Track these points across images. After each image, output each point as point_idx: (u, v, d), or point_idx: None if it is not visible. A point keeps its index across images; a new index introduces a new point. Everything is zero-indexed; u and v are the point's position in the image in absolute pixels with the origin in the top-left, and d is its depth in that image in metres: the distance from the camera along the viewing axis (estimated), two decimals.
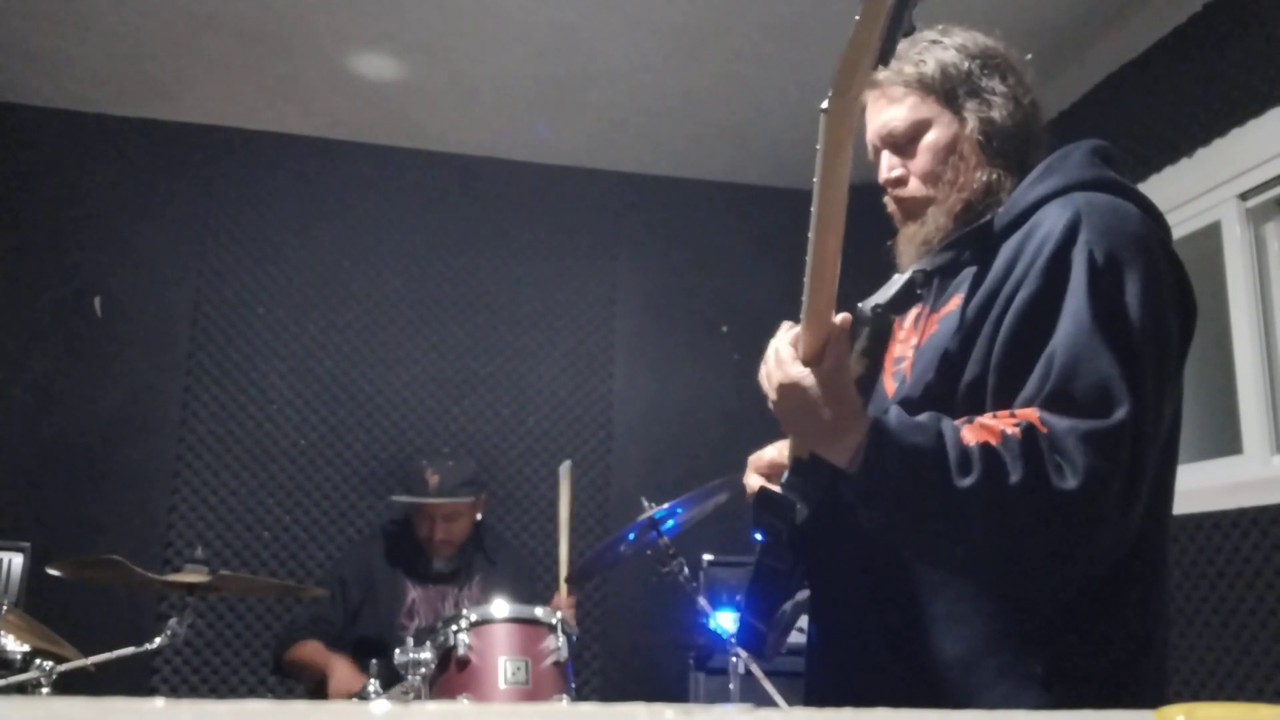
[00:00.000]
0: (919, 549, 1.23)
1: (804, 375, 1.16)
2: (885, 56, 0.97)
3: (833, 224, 1.08)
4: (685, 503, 2.59)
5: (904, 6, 0.94)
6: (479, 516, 3.26)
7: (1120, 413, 1.09)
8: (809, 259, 1.11)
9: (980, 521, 1.11)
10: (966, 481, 1.08)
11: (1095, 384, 1.11)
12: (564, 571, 3.05)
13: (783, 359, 1.19)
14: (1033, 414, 1.11)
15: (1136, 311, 1.15)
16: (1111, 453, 1.08)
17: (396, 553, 3.20)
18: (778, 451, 1.42)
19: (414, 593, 3.14)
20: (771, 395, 1.21)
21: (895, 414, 1.16)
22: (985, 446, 1.09)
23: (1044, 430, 1.09)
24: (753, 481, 1.42)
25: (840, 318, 1.17)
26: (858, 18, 0.94)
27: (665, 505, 2.54)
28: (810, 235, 1.09)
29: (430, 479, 3.11)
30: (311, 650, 2.99)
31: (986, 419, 1.14)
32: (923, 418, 1.15)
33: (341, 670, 2.88)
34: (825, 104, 1.01)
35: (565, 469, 3.14)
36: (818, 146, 1.04)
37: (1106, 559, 1.13)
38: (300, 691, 3.35)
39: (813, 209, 1.08)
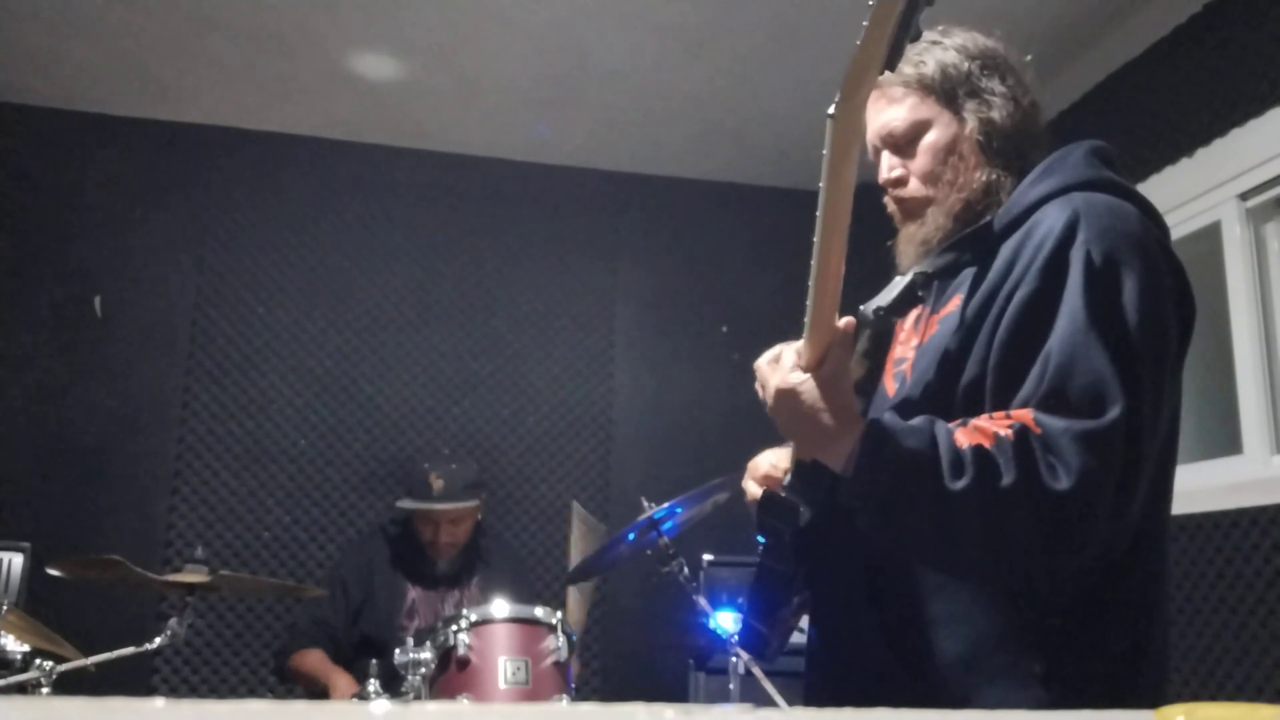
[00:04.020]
0: (915, 551, 1.23)
1: (801, 381, 1.17)
2: (892, 62, 0.98)
3: (838, 229, 1.08)
4: (684, 502, 2.59)
5: (911, 12, 0.94)
6: (479, 518, 3.27)
7: (1114, 412, 1.09)
8: (813, 264, 1.11)
9: (974, 523, 1.11)
10: (959, 484, 1.09)
11: (1089, 384, 1.11)
12: (571, 613, 3.03)
13: (783, 364, 1.20)
14: (1027, 415, 1.12)
15: (1133, 311, 1.15)
16: (1105, 452, 1.08)
17: (396, 554, 3.21)
18: (777, 457, 1.43)
19: (414, 593, 3.14)
20: (769, 401, 1.22)
21: (890, 418, 1.16)
22: (978, 449, 1.10)
23: (1038, 431, 1.10)
24: (752, 488, 1.43)
25: (844, 322, 1.17)
26: (865, 23, 0.94)
27: (665, 505, 2.54)
28: (815, 240, 1.09)
29: (435, 483, 3.11)
30: (314, 661, 3.00)
31: (981, 421, 1.14)
32: (916, 421, 1.15)
33: (343, 685, 2.89)
34: (832, 109, 1.01)
35: (577, 510, 3.11)
36: (824, 151, 1.04)
37: (1101, 557, 1.13)
38: (300, 691, 3.35)
39: (818, 214, 1.08)
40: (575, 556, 3.05)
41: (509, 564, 3.37)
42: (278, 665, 3.14)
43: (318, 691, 2.97)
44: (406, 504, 3.17)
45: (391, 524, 3.34)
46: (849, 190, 1.07)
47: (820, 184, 1.06)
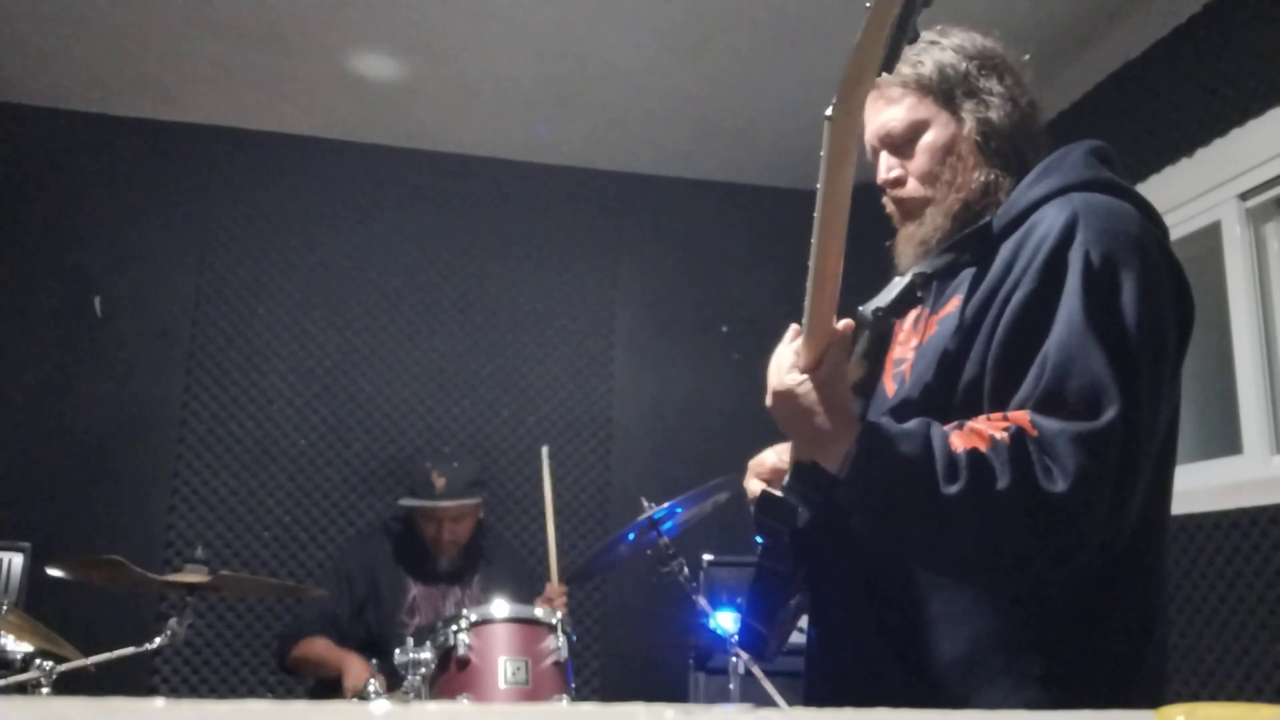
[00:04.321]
0: (909, 553, 1.23)
1: (798, 383, 1.17)
2: (889, 64, 0.98)
3: (835, 232, 1.09)
4: (684, 502, 2.59)
5: (909, 14, 0.94)
6: (481, 516, 3.27)
7: (1110, 413, 1.09)
8: (811, 266, 1.11)
9: (968, 527, 1.11)
10: (953, 489, 1.09)
11: (1086, 385, 1.11)
12: (553, 557, 3.07)
13: (780, 366, 1.20)
14: (1024, 417, 1.12)
15: (1131, 312, 1.15)
16: (1101, 454, 1.08)
17: (399, 550, 3.22)
18: (778, 456, 1.43)
19: (415, 590, 3.15)
20: (768, 401, 1.22)
21: (886, 421, 1.17)
22: (973, 453, 1.10)
23: (1034, 433, 1.10)
24: (753, 486, 1.43)
25: (842, 324, 1.17)
26: (862, 26, 0.94)
27: (664, 505, 2.54)
28: (813, 242, 1.09)
29: (437, 481, 3.12)
30: (322, 647, 2.99)
31: (978, 423, 1.14)
32: (912, 424, 1.15)
33: (356, 667, 2.87)
34: (829, 111, 1.01)
35: (545, 454, 3.19)
36: (821, 154, 1.04)
37: (1098, 558, 1.13)
38: (301, 691, 3.35)
39: (815, 216, 1.08)
40: (549, 501, 3.18)
41: (510, 564, 3.37)
42: (280, 654, 3.10)
43: (327, 678, 2.95)
44: (409, 502, 3.17)
45: (393, 521, 3.34)
46: (846, 192, 1.07)
47: (818, 186, 1.06)
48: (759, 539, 1.35)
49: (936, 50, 1.36)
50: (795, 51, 3.49)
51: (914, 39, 0.97)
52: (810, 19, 3.29)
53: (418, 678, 2.39)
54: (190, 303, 4.02)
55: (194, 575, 2.38)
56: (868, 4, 0.93)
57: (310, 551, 3.91)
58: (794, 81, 3.65)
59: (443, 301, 4.23)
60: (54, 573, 2.39)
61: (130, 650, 2.32)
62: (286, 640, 3.09)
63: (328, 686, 2.99)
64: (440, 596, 3.16)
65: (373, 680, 2.46)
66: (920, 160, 1.35)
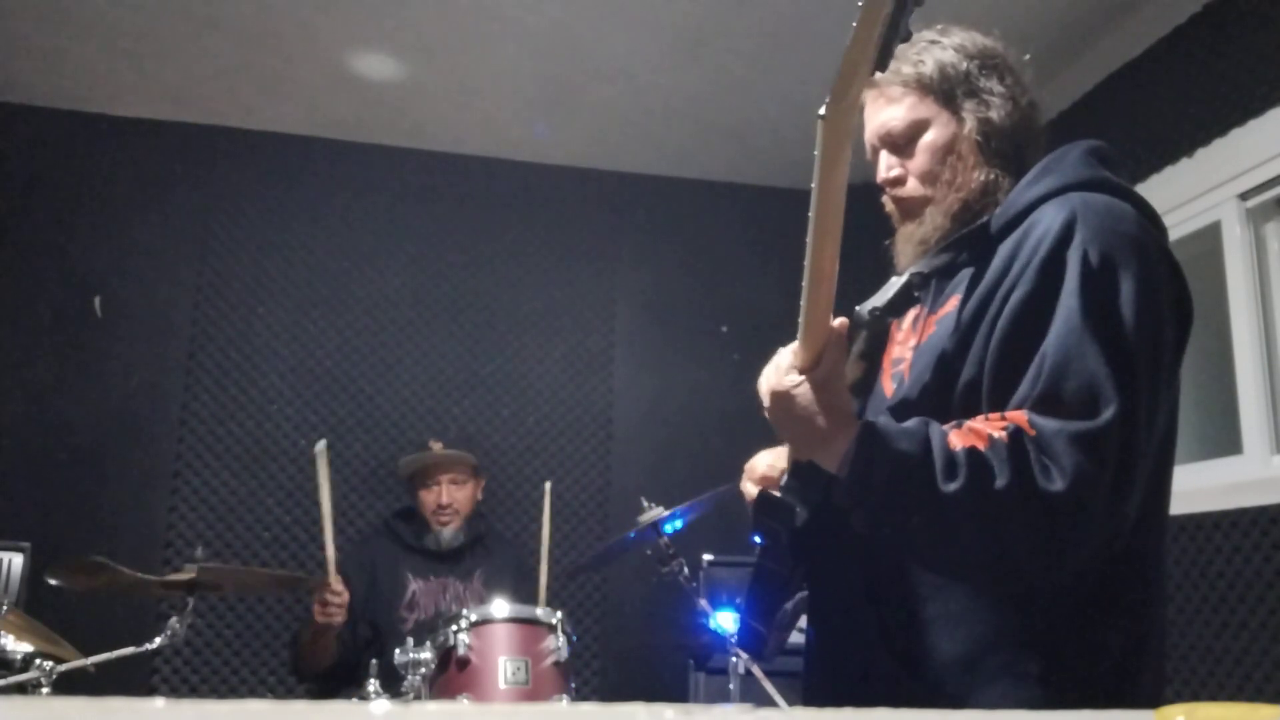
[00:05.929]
0: (909, 552, 1.23)
1: (796, 383, 1.18)
2: (882, 62, 0.98)
3: (830, 230, 1.09)
4: (687, 510, 2.59)
5: (901, 13, 0.94)
6: (480, 497, 3.37)
7: (1108, 413, 1.09)
8: (806, 265, 1.11)
9: (967, 525, 1.11)
10: (952, 487, 1.09)
11: (1084, 385, 1.11)
12: (543, 586, 3.02)
13: (778, 366, 1.20)
14: (1022, 416, 1.12)
15: (1129, 312, 1.15)
16: (1099, 453, 1.08)
17: (398, 545, 3.24)
18: (774, 458, 1.43)
19: (414, 584, 3.18)
20: (765, 403, 1.22)
21: (884, 420, 1.17)
22: (972, 451, 1.10)
23: (1032, 432, 1.10)
24: (749, 488, 1.43)
25: (838, 322, 1.17)
26: (854, 24, 0.94)
27: (668, 512, 2.54)
28: (808, 241, 1.09)
29: (434, 445, 3.31)
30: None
31: (976, 423, 1.14)
32: (911, 423, 1.15)
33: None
34: (823, 110, 1.02)
35: (548, 489, 3.13)
36: (815, 153, 1.04)
37: (1096, 558, 1.13)
38: (300, 691, 3.35)
39: (810, 215, 1.08)
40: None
41: (513, 562, 3.37)
42: (294, 661, 3.10)
43: (322, 655, 2.95)
44: (409, 458, 3.32)
45: (394, 518, 3.36)
46: (841, 191, 1.07)
47: (812, 185, 1.06)
48: (757, 539, 1.35)
49: (937, 49, 1.35)
50: (795, 52, 3.49)
51: (906, 38, 0.97)
52: (810, 20, 3.29)
53: (418, 678, 2.40)
54: (190, 303, 4.02)
55: (191, 575, 2.38)
56: (860, 2, 0.93)
57: (310, 551, 3.91)
58: (794, 82, 3.65)
59: (443, 301, 4.23)
60: (53, 581, 2.38)
61: (130, 650, 2.32)
62: (294, 642, 3.11)
63: (333, 686, 3.00)
64: (440, 590, 3.17)
65: (372, 680, 2.46)
66: (920, 159, 1.35)
